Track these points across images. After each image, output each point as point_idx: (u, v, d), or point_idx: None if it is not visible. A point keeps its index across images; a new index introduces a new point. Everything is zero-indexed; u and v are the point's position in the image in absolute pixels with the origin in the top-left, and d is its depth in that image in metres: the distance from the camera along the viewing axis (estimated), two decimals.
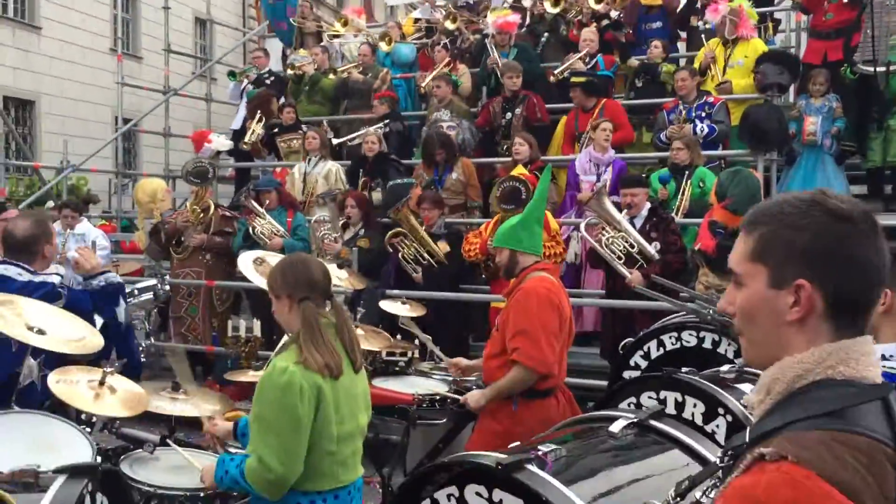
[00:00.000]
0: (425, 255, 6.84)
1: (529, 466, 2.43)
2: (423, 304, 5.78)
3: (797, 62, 8.06)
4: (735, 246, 1.42)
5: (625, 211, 6.00)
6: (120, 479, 2.91)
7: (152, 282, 8.10)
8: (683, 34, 9.96)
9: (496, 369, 3.86)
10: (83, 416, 3.15)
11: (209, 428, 3.21)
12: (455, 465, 2.63)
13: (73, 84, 18.55)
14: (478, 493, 2.48)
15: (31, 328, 3.15)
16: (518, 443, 2.88)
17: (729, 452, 1.39)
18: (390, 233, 6.99)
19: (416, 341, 4.95)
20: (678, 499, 1.61)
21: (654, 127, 7.97)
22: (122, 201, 12.29)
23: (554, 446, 2.65)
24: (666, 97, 8.16)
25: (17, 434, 2.94)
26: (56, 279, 3.62)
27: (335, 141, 8.98)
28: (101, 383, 3.16)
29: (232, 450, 3.12)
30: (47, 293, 3.48)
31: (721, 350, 4.40)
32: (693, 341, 4.51)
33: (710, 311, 4.37)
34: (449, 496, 2.54)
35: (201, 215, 7.72)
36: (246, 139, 9.57)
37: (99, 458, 2.92)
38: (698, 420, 3.40)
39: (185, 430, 3.80)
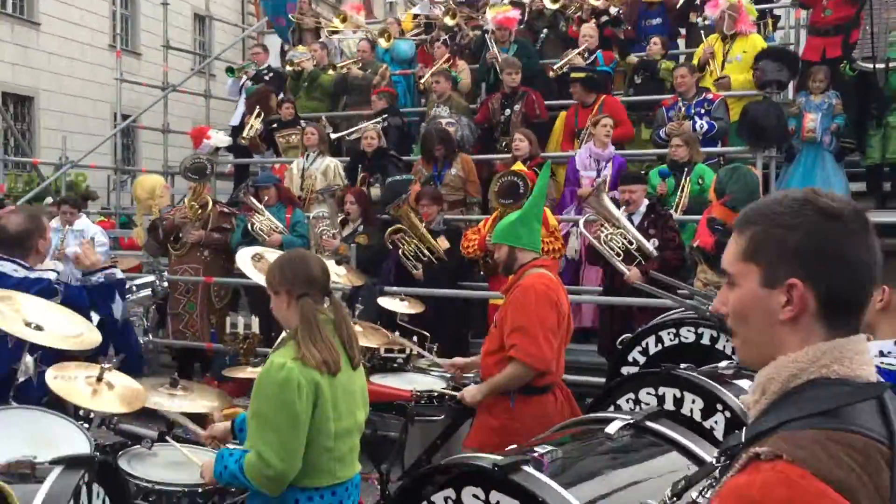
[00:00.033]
0: (425, 251, 6.83)
1: (526, 468, 2.43)
2: (421, 300, 5.79)
3: (796, 59, 8.04)
4: (728, 246, 1.42)
5: (623, 207, 6.00)
6: (117, 470, 2.91)
7: (150, 278, 8.07)
8: (683, 31, 9.96)
9: (494, 366, 3.86)
10: (81, 412, 3.15)
11: (209, 433, 3.23)
12: (452, 467, 2.63)
13: (72, 80, 18.50)
14: (475, 496, 2.47)
15: (28, 324, 3.15)
16: (515, 444, 2.87)
17: (725, 452, 1.39)
18: (390, 230, 6.96)
19: (415, 337, 4.95)
20: (674, 498, 1.61)
21: (653, 124, 7.95)
22: (121, 198, 12.30)
23: (551, 448, 2.63)
24: (665, 94, 8.16)
25: (15, 429, 2.93)
26: (52, 275, 3.61)
27: (333, 135, 8.96)
28: (99, 379, 3.16)
29: (231, 445, 3.12)
30: (43, 289, 3.47)
31: (719, 346, 4.38)
32: (691, 337, 4.49)
33: (709, 308, 4.36)
34: (446, 499, 2.54)
35: (199, 212, 7.70)
36: (244, 134, 9.55)
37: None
38: (697, 416, 3.39)
39: (182, 427, 3.80)
